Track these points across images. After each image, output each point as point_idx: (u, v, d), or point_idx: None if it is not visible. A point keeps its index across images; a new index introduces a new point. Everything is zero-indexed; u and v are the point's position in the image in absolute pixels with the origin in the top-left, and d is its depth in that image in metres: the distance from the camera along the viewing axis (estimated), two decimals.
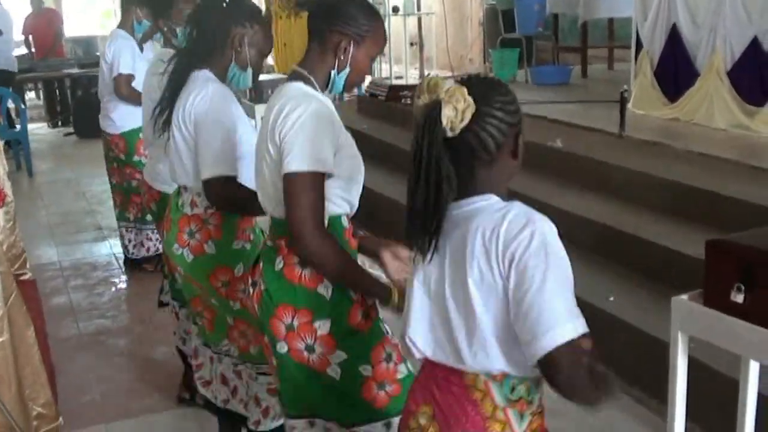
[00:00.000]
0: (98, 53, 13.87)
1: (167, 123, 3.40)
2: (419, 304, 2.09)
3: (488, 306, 1.95)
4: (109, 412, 4.45)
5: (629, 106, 7.20)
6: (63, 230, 7.90)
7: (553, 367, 1.89)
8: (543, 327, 1.88)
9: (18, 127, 10.91)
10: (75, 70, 12.80)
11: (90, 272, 6.72)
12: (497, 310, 1.95)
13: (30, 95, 14.64)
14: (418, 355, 2.12)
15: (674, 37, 7.19)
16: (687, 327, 3.00)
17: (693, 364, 3.12)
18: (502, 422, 2.03)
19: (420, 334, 2.09)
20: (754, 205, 4.79)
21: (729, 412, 3.31)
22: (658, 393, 3.87)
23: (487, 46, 12.33)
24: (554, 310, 1.88)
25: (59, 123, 13.26)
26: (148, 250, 6.48)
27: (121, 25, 6.34)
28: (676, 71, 7.21)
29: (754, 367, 3.16)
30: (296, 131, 2.54)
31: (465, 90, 1.95)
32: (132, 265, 6.58)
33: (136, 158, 6.14)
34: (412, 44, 11.84)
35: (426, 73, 10.11)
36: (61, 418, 4.05)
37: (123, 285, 6.46)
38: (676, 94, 7.23)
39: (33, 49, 13.52)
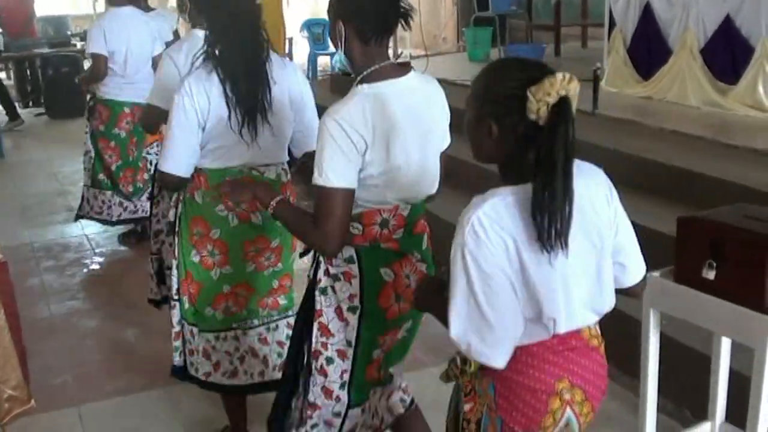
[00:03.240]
0: (79, 31, 13.76)
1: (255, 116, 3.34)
2: (551, 283, 2.07)
3: (606, 249, 2.18)
4: (81, 394, 4.43)
5: (602, 84, 7.21)
6: (34, 212, 7.83)
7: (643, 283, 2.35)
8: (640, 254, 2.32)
9: None
10: (46, 50, 12.65)
11: (62, 253, 6.68)
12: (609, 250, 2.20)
13: (0, 75, 14.47)
14: (553, 332, 2.13)
15: (647, 15, 7.20)
16: (658, 303, 3.02)
17: (665, 341, 3.14)
18: None
19: (558, 311, 2.09)
20: (726, 182, 4.81)
21: (701, 388, 3.34)
22: (630, 369, 3.88)
23: (461, 25, 12.31)
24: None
25: (30, 103, 13.12)
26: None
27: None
28: (649, 49, 7.22)
29: (725, 343, 3.19)
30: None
31: None
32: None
33: None
34: None
35: (399, 51, 10.06)
36: (33, 401, 4.02)
37: (95, 266, 6.42)
38: (649, 72, 7.24)
39: (2, 30, 13.36)
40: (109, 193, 6.58)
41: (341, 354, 2.85)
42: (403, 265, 2.81)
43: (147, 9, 6.53)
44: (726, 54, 6.48)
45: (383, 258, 2.78)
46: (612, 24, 7.75)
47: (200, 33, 3.86)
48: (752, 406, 2.79)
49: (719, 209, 3.01)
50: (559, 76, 1.97)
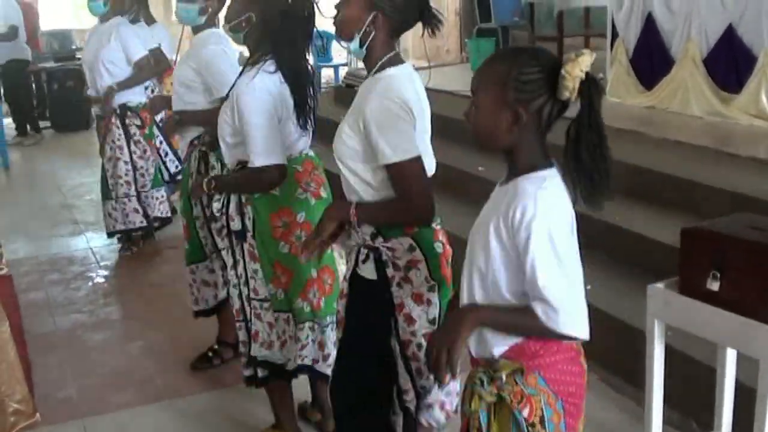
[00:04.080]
0: (83, 45, 13.83)
1: None
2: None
3: None
4: (85, 407, 4.42)
5: (605, 94, 7.20)
6: (39, 224, 7.84)
7: None
8: None
9: None
10: (51, 64, 12.70)
11: (66, 267, 6.68)
12: None
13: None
14: None
15: (649, 25, 7.20)
16: (663, 315, 3.01)
17: (671, 352, 3.13)
18: None
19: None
20: (729, 192, 4.81)
21: (707, 399, 3.33)
22: (635, 380, 3.88)
23: (464, 36, 12.32)
24: None
25: (36, 117, 13.14)
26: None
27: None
28: (651, 59, 7.23)
29: (731, 355, 3.18)
30: None
31: None
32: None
33: None
34: None
35: None
36: (38, 414, 4.02)
37: (100, 279, 6.41)
38: (651, 82, 7.24)
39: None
40: (163, 188, 6.81)
41: (427, 337, 2.90)
42: (439, 234, 2.93)
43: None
44: (728, 63, 6.48)
45: (431, 235, 2.89)
46: (614, 34, 7.76)
47: (221, 32, 4.33)
48: (758, 417, 2.79)
49: (723, 219, 3.01)
50: (587, 52, 2.13)
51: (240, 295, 3.72)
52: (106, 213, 6.65)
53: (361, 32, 2.80)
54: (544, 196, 2.13)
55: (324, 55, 12.56)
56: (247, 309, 3.70)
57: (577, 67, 2.11)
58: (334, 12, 2.89)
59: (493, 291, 2.24)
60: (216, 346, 4.79)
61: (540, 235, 2.11)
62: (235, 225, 3.61)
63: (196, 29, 4.51)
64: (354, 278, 2.97)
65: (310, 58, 3.55)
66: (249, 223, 3.57)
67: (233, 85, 3.55)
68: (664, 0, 7.05)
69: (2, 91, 12.09)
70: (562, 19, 10.31)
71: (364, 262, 2.91)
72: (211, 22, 4.50)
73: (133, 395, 4.53)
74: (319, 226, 2.94)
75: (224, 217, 3.68)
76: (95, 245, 7.13)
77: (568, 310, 2.15)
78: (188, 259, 4.64)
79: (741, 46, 6.35)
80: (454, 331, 2.25)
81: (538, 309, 2.13)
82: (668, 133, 6.25)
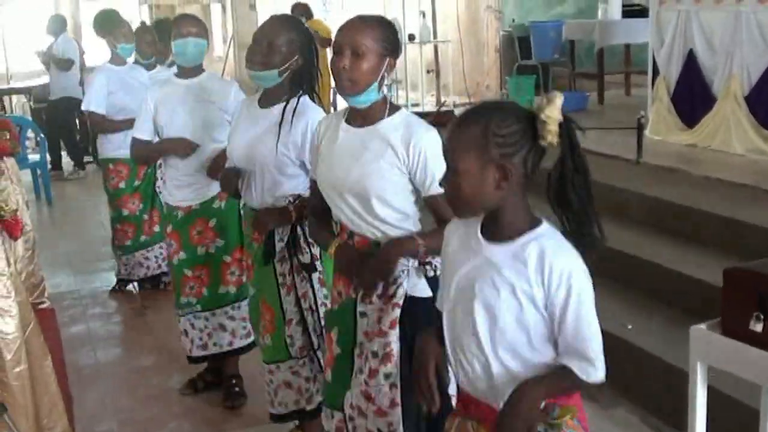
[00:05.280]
0: None
1: None
2: None
3: None
4: None
5: (646, 132, 7.19)
6: (81, 258, 7.90)
7: None
8: None
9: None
10: None
11: (108, 301, 6.73)
12: None
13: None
14: None
15: (691, 62, 7.18)
16: (705, 356, 2.98)
17: (713, 393, 3.10)
18: None
19: None
20: None
21: None
22: (677, 422, 3.84)
23: (504, 73, 12.35)
24: None
25: (80, 152, 13.28)
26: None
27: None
28: (693, 97, 7.20)
29: None
30: None
31: None
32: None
33: None
34: (428, 71, 11.88)
35: (443, 100, 10.11)
36: None
37: (141, 314, 6.44)
38: (693, 119, 7.20)
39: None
40: None
41: None
42: None
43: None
44: None
45: None
46: (655, 71, 7.74)
47: None
48: None
49: (766, 260, 2.98)
50: (557, 93, 2.09)
51: (304, 330, 3.78)
52: (137, 262, 6.76)
53: (379, 78, 2.94)
54: (570, 249, 2.12)
55: None
56: (314, 340, 3.76)
57: (555, 109, 2.06)
58: (345, 70, 2.91)
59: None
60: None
61: (583, 290, 2.10)
62: (305, 258, 3.68)
63: (191, 70, 4.58)
64: (406, 303, 2.97)
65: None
66: (316, 252, 3.67)
67: (282, 119, 3.61)
68: (705, 37, 7.03)
69: (48, 126, 12.24)
70: (602, 57, 10.30)
71: (426, 275, 2.96)
72: None
73: (172, 431, 4.54)
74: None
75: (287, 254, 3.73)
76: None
77: (602, 360, 2.15)
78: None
79: None
80: (527, 417, 2.12)
81: (575, 367, 2.12)
82: (710, 171, 6.21)
